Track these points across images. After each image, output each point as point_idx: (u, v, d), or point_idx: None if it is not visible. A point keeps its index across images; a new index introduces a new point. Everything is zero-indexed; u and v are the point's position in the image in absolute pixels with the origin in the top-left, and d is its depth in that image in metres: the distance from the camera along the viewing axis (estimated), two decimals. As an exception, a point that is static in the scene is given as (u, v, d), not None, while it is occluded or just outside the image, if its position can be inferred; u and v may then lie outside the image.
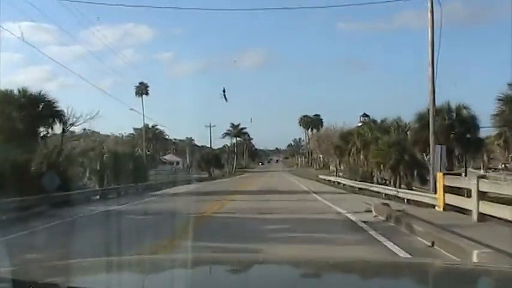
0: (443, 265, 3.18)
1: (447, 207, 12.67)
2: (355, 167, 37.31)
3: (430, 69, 18.33)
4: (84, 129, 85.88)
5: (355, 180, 33.19)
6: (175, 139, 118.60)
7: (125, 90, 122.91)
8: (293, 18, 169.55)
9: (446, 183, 12.85)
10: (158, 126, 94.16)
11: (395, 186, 26.61)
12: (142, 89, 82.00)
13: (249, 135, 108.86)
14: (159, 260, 3.80)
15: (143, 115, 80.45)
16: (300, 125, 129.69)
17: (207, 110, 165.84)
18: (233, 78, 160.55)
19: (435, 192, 14.54)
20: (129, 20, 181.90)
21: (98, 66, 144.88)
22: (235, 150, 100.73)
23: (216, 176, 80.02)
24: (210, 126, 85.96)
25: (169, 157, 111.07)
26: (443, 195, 12.86)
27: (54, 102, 24.36)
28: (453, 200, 12.44)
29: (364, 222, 11.92)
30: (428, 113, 22.31)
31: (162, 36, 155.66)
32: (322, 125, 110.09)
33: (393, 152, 25.85)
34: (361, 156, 32.67)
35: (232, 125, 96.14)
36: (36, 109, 23.44)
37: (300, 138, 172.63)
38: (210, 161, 69.53)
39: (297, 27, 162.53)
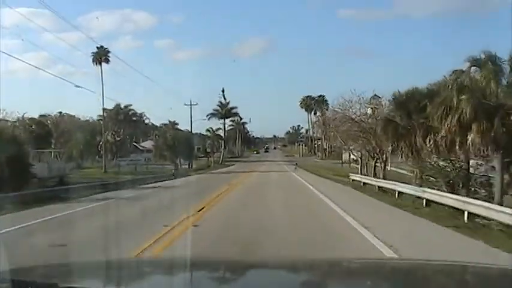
0: (444, 265, 3.01)
1: None
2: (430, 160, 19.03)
3: None
4: (60, 112, 69.03)
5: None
6: (162, 124, 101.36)
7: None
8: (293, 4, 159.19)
9: None
10: (133, 107, 75.79)
11: None
12: (101, 55, 62.94)
13: (240, 117, 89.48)
14: (157, 261, 3.87)
15: (102, 89, 61.98)
16: (302, 107, 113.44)
17: (202, 98, 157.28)
18: (230, 67, 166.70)
19: None
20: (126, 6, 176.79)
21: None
22: (224, 135, 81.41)
23: (198, 167, 62.18)
24: (191, 104, 67.50)
25: (148, 144, 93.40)
26: None
27: None
28: None
29: None
30: None
31: (160, 22, 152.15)
32: (327, 107, 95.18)
33: None
34: (471, 137, 14.38)
35: (220, 104, 76.91)
36: None
37: (299, 126, 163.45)
38: (176, 148, 49.31)
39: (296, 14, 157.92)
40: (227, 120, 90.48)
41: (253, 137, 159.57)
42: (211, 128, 74.36)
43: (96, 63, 63.30)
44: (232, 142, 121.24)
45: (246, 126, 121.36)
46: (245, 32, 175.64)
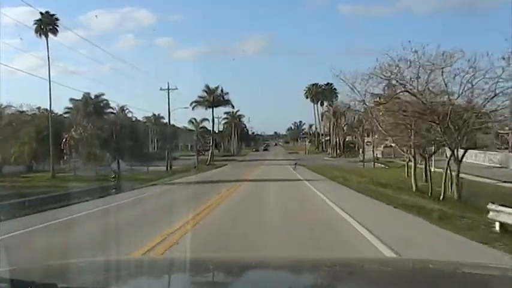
0: (445, 264, 3.00)
1: None
2: None
3: None
4: (39, 108, 58.40)
5: None
6: (145, 117, 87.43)
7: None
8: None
9: None
10: (106, 97, 60.87)
11: None
12: (46, 24, 47.51)
13: (233, 106, 72.77)
14: (156, 260, 3.86)
15: (49, 68, 46.85)
16: (307, 98, 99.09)
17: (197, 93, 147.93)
18: (230, 65, 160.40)
19: None
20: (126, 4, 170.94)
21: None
22: (213, 128, 65.38)
23: (178, 169, 47.36)
24: (168, 89, 52.04)
25: (127, 141, 78.14)
26: None
27: None
28: None
29: None
30: None
31: (160, 20, 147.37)
32: (336, 97, 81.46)
33: None
34: None
35: (207, 89, 60.40)
36: None
37: (300, 122, 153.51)
38: (120, 144, 32.43)
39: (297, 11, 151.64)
40: (221, 113, 75.72)
41: (254, 133, 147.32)
42: (194, 118, 58.64)
43: (40, 35, 47.98)
44: (228, 139, 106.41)
45: (245, 121, 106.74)
46: (245, 29, 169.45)
